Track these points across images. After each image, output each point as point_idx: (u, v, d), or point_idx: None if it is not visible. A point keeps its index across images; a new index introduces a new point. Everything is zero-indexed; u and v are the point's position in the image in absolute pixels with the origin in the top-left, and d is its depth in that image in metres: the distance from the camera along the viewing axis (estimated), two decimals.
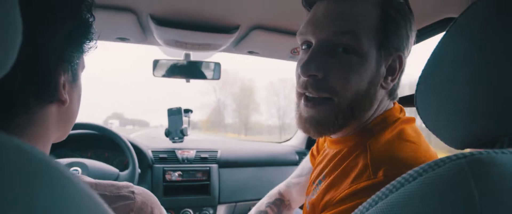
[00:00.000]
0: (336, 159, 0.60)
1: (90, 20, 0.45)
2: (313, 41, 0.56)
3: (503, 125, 0.33)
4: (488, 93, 0.33)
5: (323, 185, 0.59)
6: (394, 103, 0.63)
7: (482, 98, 0.34)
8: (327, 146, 0.68)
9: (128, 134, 1.49)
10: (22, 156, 0.21)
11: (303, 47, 0.59)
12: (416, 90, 0.41)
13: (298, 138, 1.91)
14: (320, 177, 0.63)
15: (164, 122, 1.60)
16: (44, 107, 0.41)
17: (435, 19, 0.86)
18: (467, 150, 0.41)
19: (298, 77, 0.58)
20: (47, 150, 0.44)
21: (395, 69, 0.57)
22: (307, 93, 0.57)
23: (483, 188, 0.28)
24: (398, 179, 0.35)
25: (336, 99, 0.54)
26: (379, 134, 0.56)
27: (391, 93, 0.61)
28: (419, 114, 0.42)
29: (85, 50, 0.46)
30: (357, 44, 0.52)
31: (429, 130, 0.42)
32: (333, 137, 0.64)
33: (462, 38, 0.35)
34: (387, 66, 0.56)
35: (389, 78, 0.57)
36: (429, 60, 0.39)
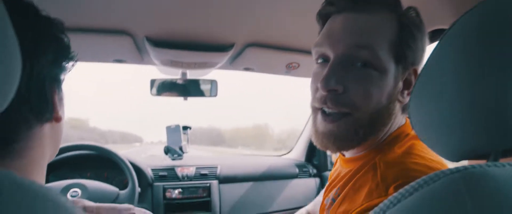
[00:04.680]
0: (348, 175, 0.60)
1: (66, 40, 0.48)
2: (331, 56, 0.55)
3: (495, 137, 0.33)
4: (480, 105, 0.33)
5: (337, 202, 0.58)
6: (406, 119, 0.62)
7: (475, 110, 0.34)
8: (340, 164, 0.67)
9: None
10: (21, 192, 0.22)
11: (319, 61, 0.58)
12: (410, 103, 0.41)
13: (297, 151, 1.91)
14: (334, 194, 0.62)
15: (164, 137, 1.61)
16: (43, 126, 0.44)
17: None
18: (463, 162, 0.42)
19: (315, 91, 0.57)
20: (44, 170, 0.47)
21: (411, 83, 0.57)
22: (325, 108, 0.55)
23: (477, 202, 0.28)
24: (395, 194, 0.36)
25: (356, 114, 0.53)
26: (389, 149, 0.55)
27: (405, 108, 0.60)
28: (412, 127, 0.42)
29: (67, 69, 0.49)
30: (376, 59, 0.52)
31: (423, 142, 0.42)
32: (347, 155, 0.63)
33: (453, 50, 0.36)
34: (403, 80, 0.56)
35: (405, 92, 0.57)
36: (421, 73, 0.39)
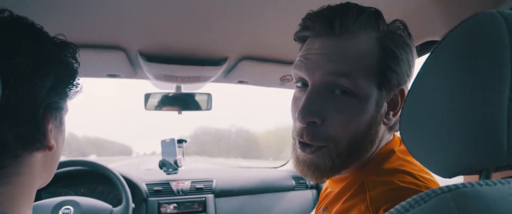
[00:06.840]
0: (334, 194, 0.59)
1: (75, 66, 0.46)
2: (309, 82, 0.52)
3: (487, 154, 0.33)
4: (471, 121, 0.33)
5: None
6: (393, 135, 0.60)
7: (466, 127, 0.33)
8: (329, 185, 0.66)
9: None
10: None
11: (298, 84, 0.56)
12: (400, 118, 0.40)
13: None
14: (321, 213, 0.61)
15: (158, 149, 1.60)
16: (32, 154, 0.41)
17: (416, 43, 0.88)
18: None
19: (294, 120, 0.55)
20: (32, 197, 0.44)
21: (397, 103, 0.54)
22: (302, 141, 0.54)
23: None
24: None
25: (332, 146, 0.52)
26: (376, 168, 0.54)
27: (392, 127, 0.58)
28: (404, 143, 0.41)
29: (71, 95, 0.47)
30: (355, 86, 0.49)
31: (415, 159, 0.41)
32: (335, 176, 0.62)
33: (444, 63, 0.35)
34: (388, 102, 0.54)
35: (391, 113, 0.55)
36: (412, 87, 0.38)
